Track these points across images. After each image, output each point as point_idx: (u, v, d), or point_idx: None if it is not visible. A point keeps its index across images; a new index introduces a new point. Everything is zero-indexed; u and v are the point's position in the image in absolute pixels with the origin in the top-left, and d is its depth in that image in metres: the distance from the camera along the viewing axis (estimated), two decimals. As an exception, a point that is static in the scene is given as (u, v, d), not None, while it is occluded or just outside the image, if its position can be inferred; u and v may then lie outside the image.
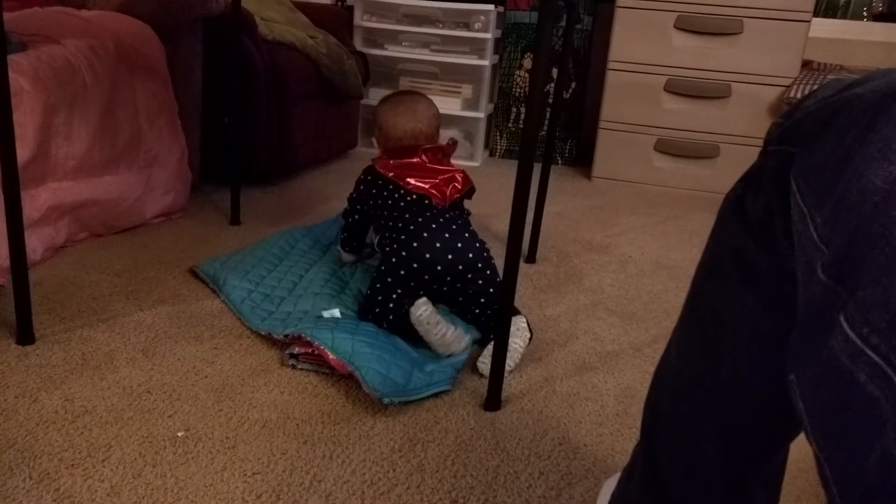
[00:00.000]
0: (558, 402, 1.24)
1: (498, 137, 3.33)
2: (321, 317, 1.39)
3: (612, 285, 1.81)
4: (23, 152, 1.51)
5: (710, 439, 0.68)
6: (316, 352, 1.24)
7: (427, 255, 1.39)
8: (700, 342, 0.69)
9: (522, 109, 3.25)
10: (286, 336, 1.31)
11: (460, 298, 1.44)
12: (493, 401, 1.20)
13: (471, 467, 1.04)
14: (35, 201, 1.59)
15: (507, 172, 3.01)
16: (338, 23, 2.96)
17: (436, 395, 1.22)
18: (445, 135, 3.15)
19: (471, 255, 1.42)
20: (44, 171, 1.61)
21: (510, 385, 1.28)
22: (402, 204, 1.49)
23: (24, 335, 1.29)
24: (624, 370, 1.37)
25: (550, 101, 3.05)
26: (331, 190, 2.50)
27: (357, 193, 1.62)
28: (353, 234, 1.66)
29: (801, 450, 0.65)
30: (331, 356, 1.21)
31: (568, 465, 1.07)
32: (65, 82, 1.63)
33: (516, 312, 1.37)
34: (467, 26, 3.03)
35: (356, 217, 1.63)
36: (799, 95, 2.56)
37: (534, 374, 1.33)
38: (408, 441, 1.09)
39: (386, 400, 1.14)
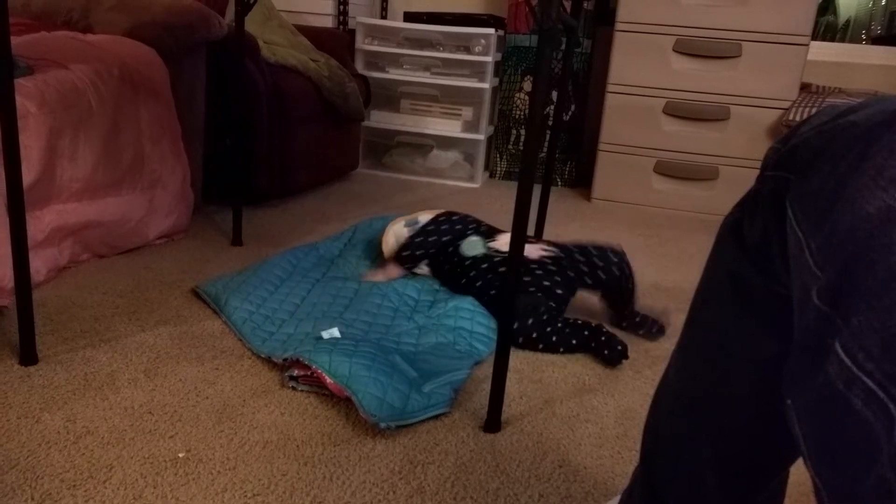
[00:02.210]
0: (558, 423, 1.24)
1: (498, 159, 3.34)
2: (321, 338, 1.39)
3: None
4: (28, 174, 1.52)
5: (709, 462, 0.69)
6: (314, 374, 1.24)
7: None
8: (699, 365, 0.69)
9: (522, 131, 3.27)
10: (285, 360, 1.31)
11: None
12: (493, 422, 1.20)
13: (471, 489, 1.04)
14: (39, 223, 1.60)
15: (506, 194, 3.03)
16: (339, 46, 2.99)
17: (435, 416, 1.22)
18: (447, 157, 3.18)
19: None
20: (48, 192, 1.62)
21: (510, 407, 1.28)
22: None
23: (28, 355, 1.29)
24: (624, 392, 1.38)
25: (550, 123, 3.08)
26: (332, 211, 2.52)
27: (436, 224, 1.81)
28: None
29: (801, 473, 0.65)
30: (328, 380, 1.21)
31: (568, 487, 1.07)
32: (70, 105, 1.64)
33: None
34: (468, 49, 3.06)
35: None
36: (798, 118, 2.58)
37: (534, 396, 1.33)
38: (408, 463, 1.09)
39: (383, 424, 1.14)
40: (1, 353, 1.32)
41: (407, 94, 3.20)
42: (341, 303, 1.58)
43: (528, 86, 3.21)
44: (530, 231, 1.71)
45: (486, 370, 1.38)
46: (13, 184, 1.20)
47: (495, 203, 2.82)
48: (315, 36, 2.86)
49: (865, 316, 0.39)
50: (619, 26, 2.80)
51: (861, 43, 3.46)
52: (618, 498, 0.88)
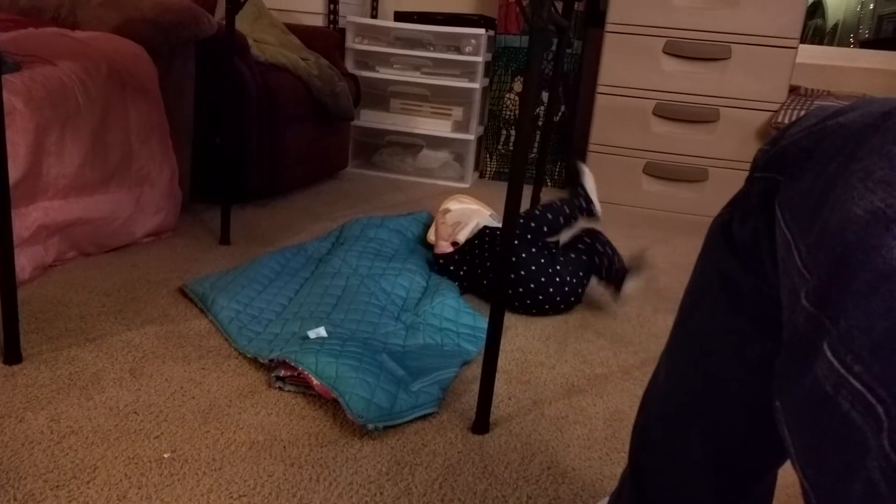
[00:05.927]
0: (547, 425, 1.24)
1: (488, 159, 3.34)
2: (307, 338, 1.38)
3: (600, 308, 1.82)
4: (14, 171, 1.51)
5: (697, 464, 0.69)
6: (301, 375, 1.23)
7: None
8: (688, 366, 0.69)
9: (512, 132, 3.27)
10: (271, 361, 1.30)
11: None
12: (481, 424, 1.19)
13: (458, 491, 1.04)
14: (25, 220, 1.59)
15: (496, 194, 3.02)
16: (330, 45, 2.98)
17: (423, 417, 1.21)
18: (437, 157, 3.18)
19: None
20: (35, 189, 1.61)
21: (498, 408, 1.28)
22: None
23: (12, 354, 1.28)
24: (612, 393, 1.38)
25: (540, 123, 3.07)
26: (321, 210, 2.51)
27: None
28: None
29: (789, 476, 0.65)
30: (315, 381, 1.20)
31: (556, 489, 1.06)
32: (57, 102, 1.63)
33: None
34: (458, 49, 3.05)
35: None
36: (786, 120, 2.59)
37: (522, 397, 1.33)
38: (395, 464, 1.09)
39: (371, 426, 1.14)
40: (-16, 352, 1.31)
41: (397, 94, 3.20)
42: (329, 302, 1.57)
43: (518, 86, 3.21)
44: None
45: (475, 371, 1.38)
46: (-2, 181, 1.19)
47: (485, 203, 2.82)
48: (305, 35, 2.85)
49: (854, 318, 0.39)
50: (609, 27, 2.81)
51: (849, 46, 3.48)
52: (606, 500, 0.88)
